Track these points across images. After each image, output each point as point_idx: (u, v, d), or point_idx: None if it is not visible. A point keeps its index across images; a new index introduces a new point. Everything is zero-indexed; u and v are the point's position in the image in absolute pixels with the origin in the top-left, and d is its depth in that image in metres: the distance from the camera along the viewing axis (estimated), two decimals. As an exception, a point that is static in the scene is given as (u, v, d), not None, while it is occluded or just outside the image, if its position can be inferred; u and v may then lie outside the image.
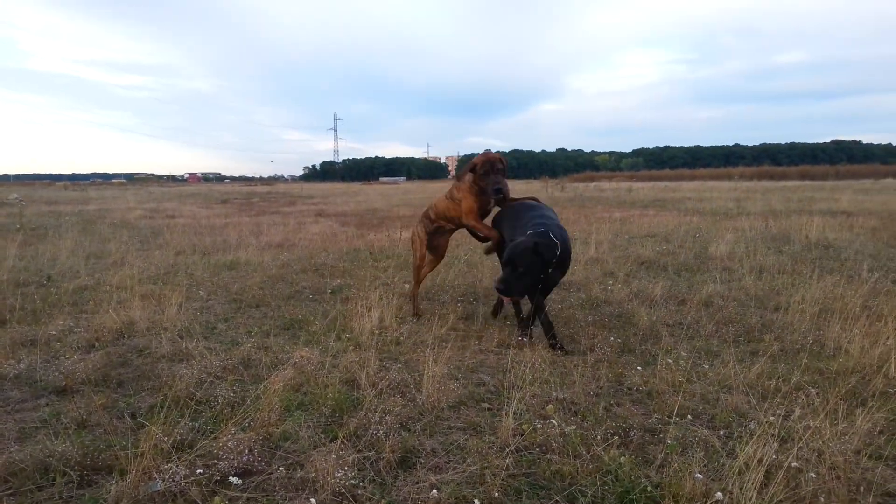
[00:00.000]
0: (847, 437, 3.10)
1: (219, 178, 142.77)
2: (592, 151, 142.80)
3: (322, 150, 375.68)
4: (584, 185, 42.32)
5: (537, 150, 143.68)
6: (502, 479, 2.81)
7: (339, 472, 2.82)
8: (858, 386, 3.85)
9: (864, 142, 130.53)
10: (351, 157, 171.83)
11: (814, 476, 2.71)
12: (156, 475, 2.81)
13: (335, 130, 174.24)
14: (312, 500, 2.65)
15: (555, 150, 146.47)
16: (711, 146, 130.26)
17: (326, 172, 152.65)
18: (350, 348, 4.80)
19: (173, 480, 2.78)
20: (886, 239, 10.75)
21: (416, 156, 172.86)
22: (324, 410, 3.60)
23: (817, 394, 3.71)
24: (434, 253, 6.32)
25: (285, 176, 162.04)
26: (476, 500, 2.61)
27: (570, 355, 4.68)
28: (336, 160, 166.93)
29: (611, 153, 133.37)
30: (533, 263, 4.65)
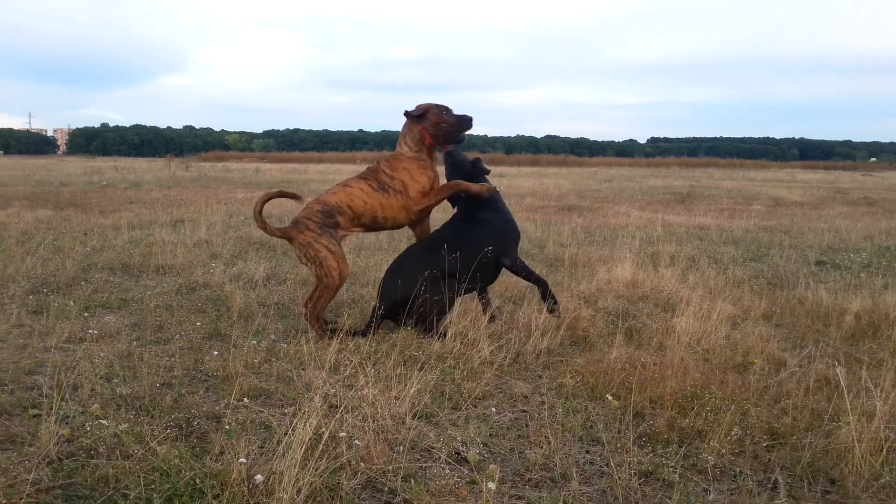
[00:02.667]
0: (398, 401, 3.36)
1: None
2: (223, 130, 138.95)
3: None
4: (211, 164, 40.89)
5: (162, 126, 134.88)
6: (28, 497, 2.45)
7: None
8: (419, 351, 4.24)
9: (467, 133, 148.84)
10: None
11: (358, 442, 2.88)
12: None
13: None
14: None
15: (182, 128, 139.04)
16: (339, 131, 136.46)
17: None
18: None
19: None
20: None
21: (16, 127, 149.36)
22: None
23: (372, 363, 3.94)
24: None
25: None
26: (-25, 531, 2.24)
27: (154, 345, 4.39)
28: None
29: (242, 133, 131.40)
30: None
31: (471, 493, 2.56)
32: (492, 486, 2.54)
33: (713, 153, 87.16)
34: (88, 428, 3.00)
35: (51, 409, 3.03)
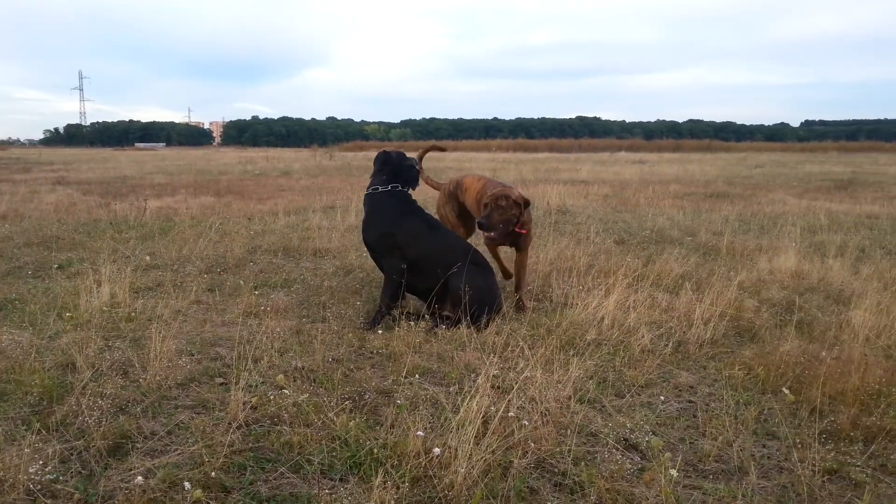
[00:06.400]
0: (561, 385, 3.36)
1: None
2: (363, 121, 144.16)
3: (66, 111, 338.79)
4: (353, 154, 42.40)
5: (307, 117, 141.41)
6: (224, 457, 2.66)
7: (33, 467, 2.50)
8: (576, 337, 4.21)
9: (603, 118, 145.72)
10: (101, 121, 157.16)
11: (526, 423, 2.90)
12: None
13: (81, 90, 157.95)
14: (-8, 502, 2.32)
15: (325, 119, 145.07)
16: (473, 119, 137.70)
17: (72, 137, 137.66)
18: (70, 328, 4.32)
19: None
20: (615, 205, 11.99)
21: (177, 120, 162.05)
22: (28, 399, 3.19)
23: (530, 346, 3.96)
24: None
25: (21, 140, 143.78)
26: (187, 483, 2.45)
27: (318, 322, 4.62)
28: (83, 123, 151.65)
29: (380, 123, 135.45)
30: None
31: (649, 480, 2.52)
32: (674, 473, 2.49)
33: (876, 136, 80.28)
34: (272, 397, 3.21)
35: (236, 378, 3.27)
